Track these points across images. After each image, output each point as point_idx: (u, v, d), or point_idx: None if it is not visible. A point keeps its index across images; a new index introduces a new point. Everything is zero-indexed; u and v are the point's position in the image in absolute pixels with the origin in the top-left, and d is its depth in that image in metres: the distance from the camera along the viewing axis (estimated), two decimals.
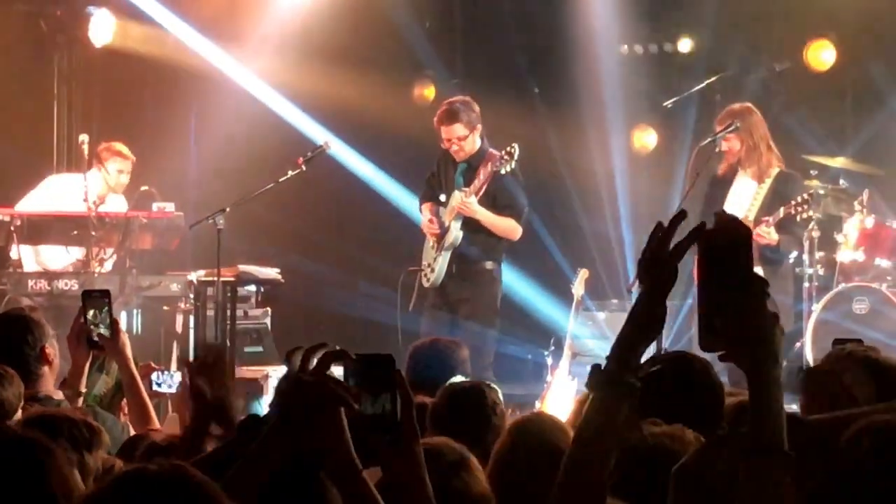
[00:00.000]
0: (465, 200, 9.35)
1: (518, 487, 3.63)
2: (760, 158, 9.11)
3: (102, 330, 5.02)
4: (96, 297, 5.07)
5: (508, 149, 9.27)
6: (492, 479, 3.65)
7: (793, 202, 8.90)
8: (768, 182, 9.10)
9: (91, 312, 5.03)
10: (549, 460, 3.71)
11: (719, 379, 4.01)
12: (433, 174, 9.82)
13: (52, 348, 5.35)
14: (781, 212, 8.87)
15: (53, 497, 2.70)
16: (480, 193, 9.36)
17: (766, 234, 8.85)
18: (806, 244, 9.92)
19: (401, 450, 2.70)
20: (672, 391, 3.87)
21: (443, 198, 9.61)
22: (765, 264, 8.98)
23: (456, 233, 9.51)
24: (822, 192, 9.89)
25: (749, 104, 9.28)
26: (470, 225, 9.50)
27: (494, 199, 9.40)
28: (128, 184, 10.36)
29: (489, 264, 9.56)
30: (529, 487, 3.66)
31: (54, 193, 10.38)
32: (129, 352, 5.09)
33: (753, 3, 11.77)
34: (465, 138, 9.40)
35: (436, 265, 9.58)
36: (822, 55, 11.42)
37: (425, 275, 9.66)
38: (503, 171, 9.26)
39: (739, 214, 9.08)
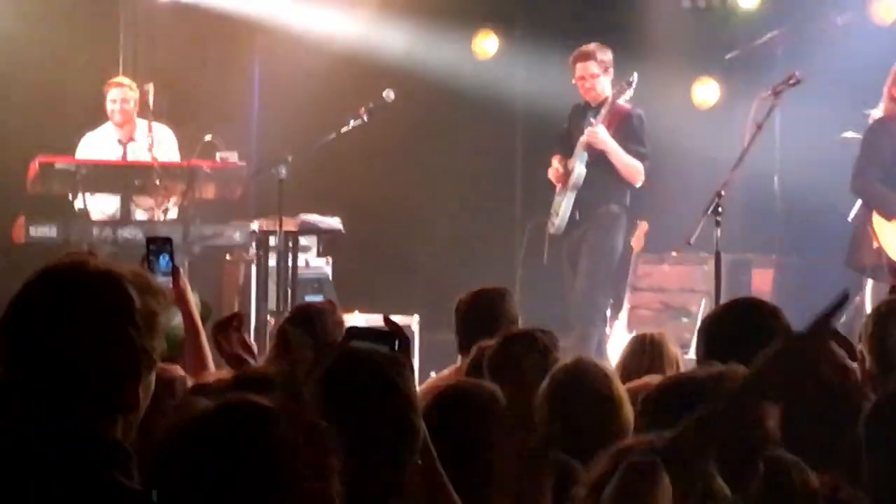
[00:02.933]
0: (593, 129, 9.49)
1: (562, 430, 3.70)
2: None
3: (164, 278, 5.11)
4: (159, 243, 5.16)
5: (629, 78, 9.52)
6: (539, 423, 3.72)
7: None
8: None
9: (154, 259, 5.12)
10: (591, 405, 3.79)
11: (788, 323, 4.00)
12: (565, 129, 9.98)
13: None
14: None
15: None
16: (608, 128, 9.57)
17: None
18: None
19: None
20: (739, 334, 3.89)
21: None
22: None
23: (579, 170, 9.65)
24: None
25: None
26: (594, 167, 9.61)
27: (622, 139, 9.55)
28: (135, 110, 10.46)
29: (615, 208, 9.68)
30: (573, 430, 3.73)
31: (96, 147, 10.53)
32: (190, 297, 5.18)
33: None
34: (597, 77, 9.66)
35: (560, 209, 9.71)
36: (885, 8, 11.33)
37: (551, 221, 9.80)
38: (621, 101, 9.59)
39: None
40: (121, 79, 10.79)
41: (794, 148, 10.92)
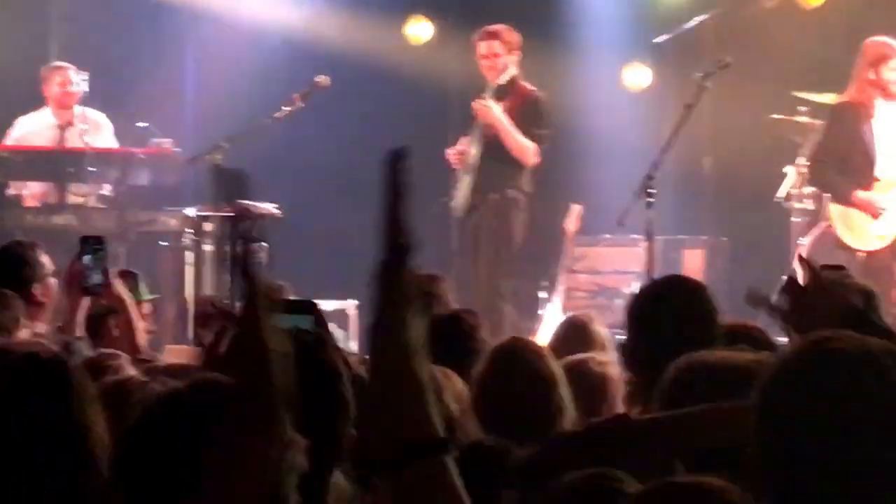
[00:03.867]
0: (484, 103, 9.51)
1: (499, 410, 3.76)
2: None
3: (97, 277, 5.11)
4: (92, 244, 5.15)
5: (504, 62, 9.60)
6: (475, 404, 3.79)
7: None
8: None
9: (87, 258, 5.11)
10: (528, 383, 3.86)
11: (713, 303, 4.02)
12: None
13: (45, 288, 5.46)
14: None
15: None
16: (509, 109, 9.61)
17: None
18: (797, 179, 10.00)
19: None
20: (662, 311, 3.94)
21: None
22: None
23: (472, 152, 9.65)
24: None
25: None
26: (488, 151, 9.62)
27: (522, 121, 9.57)
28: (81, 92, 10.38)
29: (511, 192, 9.66)
30: (510, 410, 3.80)
31: (33, 131, 10.47)
32: (124, 295, 5.19)
33: None
34: (499, 56, 9.61)
35: (458, 191, 9.73)
36: None
37: (452, 202, 9.81)
38: (502, 82, 9.58)
39: None
40: (64, 63, 10.71)
41: (724, 130, 11.04)
